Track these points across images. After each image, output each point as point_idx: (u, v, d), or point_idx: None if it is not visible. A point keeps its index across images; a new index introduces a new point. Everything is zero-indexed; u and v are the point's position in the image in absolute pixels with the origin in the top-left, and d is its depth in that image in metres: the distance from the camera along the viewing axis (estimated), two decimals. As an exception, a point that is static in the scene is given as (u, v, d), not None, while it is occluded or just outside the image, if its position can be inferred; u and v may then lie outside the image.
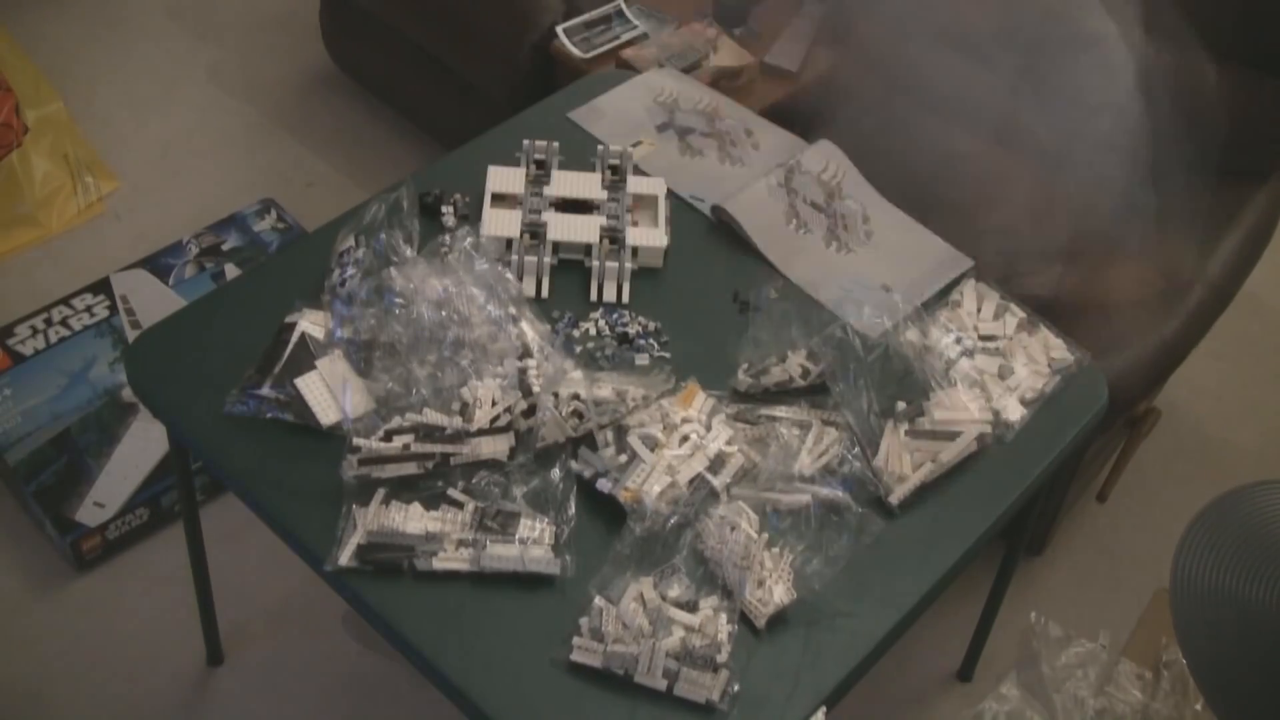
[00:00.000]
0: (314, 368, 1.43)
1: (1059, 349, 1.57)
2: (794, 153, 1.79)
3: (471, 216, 1.67)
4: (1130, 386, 1.84)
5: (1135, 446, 2.24)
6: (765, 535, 1.34)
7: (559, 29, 2.30)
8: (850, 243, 1.69)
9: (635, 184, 1.71)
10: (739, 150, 1.82)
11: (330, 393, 1.42)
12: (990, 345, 1.56)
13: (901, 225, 1.73)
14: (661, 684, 1.24)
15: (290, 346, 1.45)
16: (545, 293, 1.61)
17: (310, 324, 1.48)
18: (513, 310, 1.47)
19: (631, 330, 1.56)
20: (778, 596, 1.30)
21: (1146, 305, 1.80)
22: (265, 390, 1.42)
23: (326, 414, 1.41)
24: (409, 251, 1.53)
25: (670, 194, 1.73)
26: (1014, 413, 1.49)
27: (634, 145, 1.77)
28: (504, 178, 1.69)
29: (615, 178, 1.71)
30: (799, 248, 1.68)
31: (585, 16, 2.33)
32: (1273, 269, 2.21)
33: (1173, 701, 1.53)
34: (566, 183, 1.69)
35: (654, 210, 1.69)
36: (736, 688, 1.25)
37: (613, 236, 1.63)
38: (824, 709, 1.25)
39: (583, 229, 1.64)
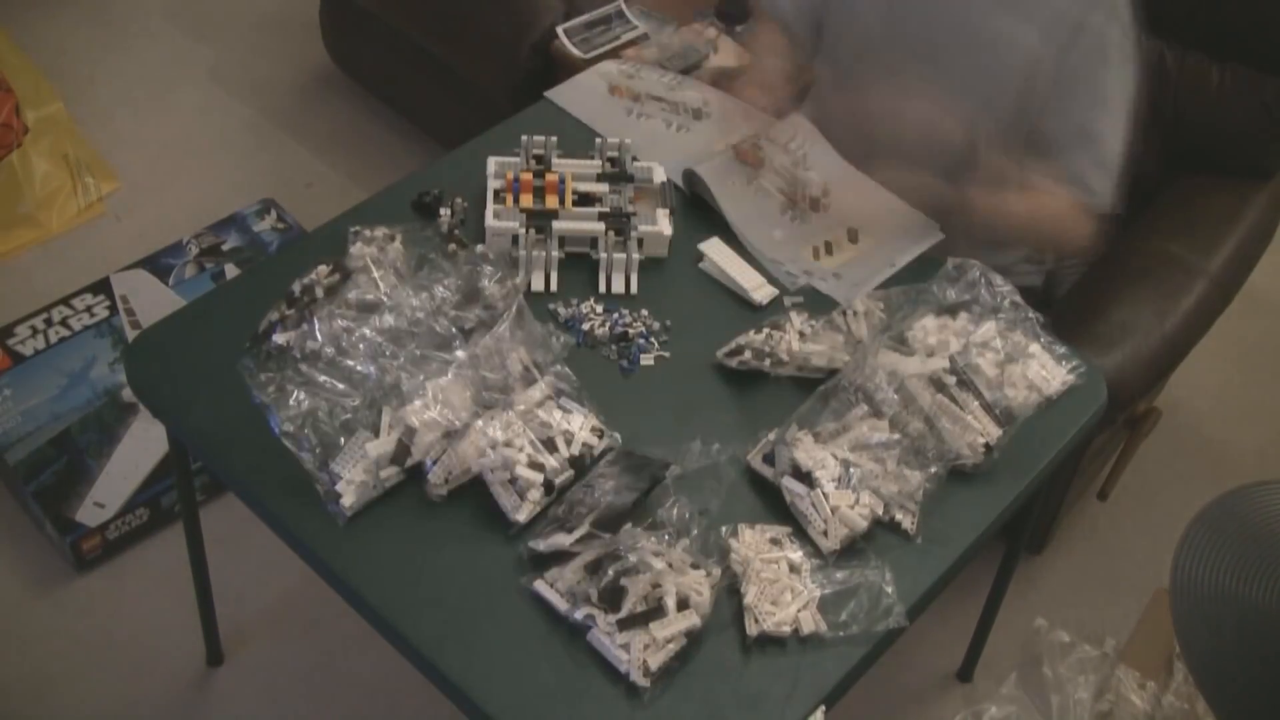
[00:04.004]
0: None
1: (1058, 350, 1.57)
2: (753, 122, 1.80)
3: (469, 219, 1.66)
4: (1131, 383, 1.83)
5: (1136, 446, 2.24)
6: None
7: (559, 29, 2.30)
8: (806, 213, 1.71)
9: (635, 173, 1.71)
10: (685, 119, 1.84)
11: None
12: (990, 345, 1.56)
13: (869, 195, 1.73)
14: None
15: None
16: (554, 286, 1.60)
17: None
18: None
19: (631, 330, 1.55)
20: (805, 625, 1.29)
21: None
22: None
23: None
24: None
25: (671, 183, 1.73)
26: (1014, 412, 1.49)
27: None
28: (504, 170, 1.68)
29: (615, 169, 1.71)
30: (759, 212, 1.69)
31: (585, 17, 2.33)
32: (1273, 269, 2.21)
33: (1178, 708, 1.53)
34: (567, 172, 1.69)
35: (656, 200, 1.69)
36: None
37: (618, 228, 1.63)
38: (824, 709, 1.25)
39: (587, 221, 1.64)
